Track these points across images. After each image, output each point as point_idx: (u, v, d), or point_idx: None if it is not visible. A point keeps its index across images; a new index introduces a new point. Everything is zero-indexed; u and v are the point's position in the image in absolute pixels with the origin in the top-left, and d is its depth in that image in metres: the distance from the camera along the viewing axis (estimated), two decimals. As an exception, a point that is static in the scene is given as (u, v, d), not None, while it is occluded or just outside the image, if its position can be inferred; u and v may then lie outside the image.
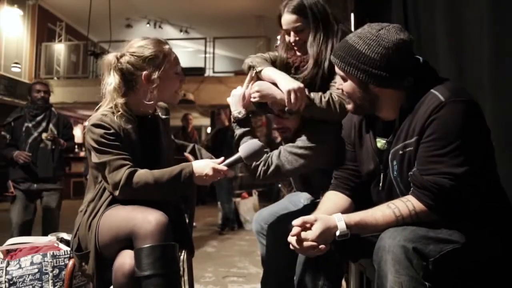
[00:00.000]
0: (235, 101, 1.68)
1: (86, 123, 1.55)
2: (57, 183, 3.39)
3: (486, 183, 1.13)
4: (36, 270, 1.72)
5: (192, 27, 11.52)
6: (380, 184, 1.26)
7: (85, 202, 1.54)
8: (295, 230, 1.14)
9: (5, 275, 1.69)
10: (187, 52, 11.37)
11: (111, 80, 1.47)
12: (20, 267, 1.71)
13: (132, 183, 1.38)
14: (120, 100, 1.47)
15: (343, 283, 2.05)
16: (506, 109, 1.27)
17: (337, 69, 1.22)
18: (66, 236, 1.95)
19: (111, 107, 1.48)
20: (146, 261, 1.26)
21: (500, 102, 1.29)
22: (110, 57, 1.50)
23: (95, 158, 1.43)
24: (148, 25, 11.43)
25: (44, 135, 3.22)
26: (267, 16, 9.95)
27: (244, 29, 10.13)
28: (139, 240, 1.29)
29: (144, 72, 1.47)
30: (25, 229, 3.14)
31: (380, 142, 1.26)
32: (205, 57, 10.54)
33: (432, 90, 1.11)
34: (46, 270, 1.73)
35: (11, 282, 1.68)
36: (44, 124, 3.28)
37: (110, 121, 1.45)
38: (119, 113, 1.47)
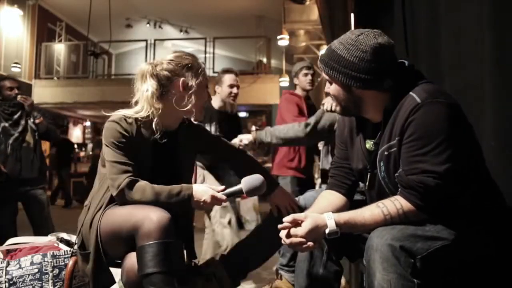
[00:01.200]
0: None
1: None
2: (43, 183, 3.25)
3: (474, 179, 1.16)
4: (36, 270, 1.72)
5: (192, 27, 11.53)
6: (367, 184, 1.32)
7: (90, 195, 1.57)
8: (285, 225, 1.20)
9: (5, 275, 1.69)
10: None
11: (147, 87, 1.50)
12: (20, 267, 1.71)
13: (130, 192, 1.40)
14: (159, 105, 1.49)
15: (342, 281, 2.05)
16: (506, 109, 1.27)
17: (323, 74, 1.29)
18: (66, 236, 1.95)
19: (141, 115, 1.49)
20: (146, 259, 1.26)
21: (500, 102, 1.29)
22: (145, 65, 1.53)
23: (106, 153, 1.47)
24: (148, 25, 11.44)
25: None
26: (267, 16, 9.96)
27: (244, 29, 10.14)
28: (142, 238, 1.29)
29: (182, 79, 1.52)
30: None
31: (369, 143, 1.31)
32: (205, 57, 10.54)
33: (410, 93, 1.16)
34: (46, 270, 1.73)
35: (11, 282, 1.68)
36: (22, 122, 3.09)
37: (129, 125, 1.48)
38: (148, 119, 1.49)
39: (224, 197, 1.44)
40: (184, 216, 1.59)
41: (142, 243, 1.28)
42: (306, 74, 3.12)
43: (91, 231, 1.44)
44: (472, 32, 1.46)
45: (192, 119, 1.66)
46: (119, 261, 1.47)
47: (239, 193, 1.48)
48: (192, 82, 1.52)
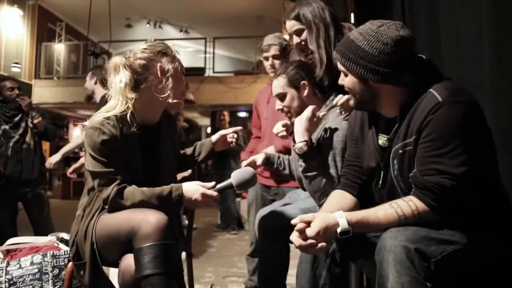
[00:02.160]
0: (301, 128, 1.57)
1: (86, 123, 1.52)
2: (43, 183, 3.26)
3: (487, 183, 1.13)
4: (36, 270, 1.72)
5: (192, 27, 11.52)
6: (380, 182, 1.26)
7: (80, 206, 1.53)
8: (299, 226, 1.13)
9: (5, 275, 1.69)
10: (187, 52, 11.36)
11: (120, 78, 1.46)
12: (20, 267, 1.71)
13: (121, 200, 1.38)
14: (132, 95, 1.45)
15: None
16: (506, 109, 1.27)
17: (339, 65, 1.24)
18: (66, 236, 1.95)
19: (117, 110, 1.45)
20: (145, 261, 1.25)
21: (500, 102, 1.29)
22: (117, 58, 1.50)
23: (88, 164, 1.42)
24: (148, 25, 11.43)
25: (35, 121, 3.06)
26: (267, 16, 9.95)
27: (244, 29, 10.13)
28: (139, 240, 1.27)
29: (159, 64, 1.49)
30: None
31: (382, 139, 1.26)
32: (205, 57, 10.54)
33: (431, 90, 1.11)
34: (46, 270, 1.73)
35: (11, 282, 1.68)
36: (23, 124, 3.10)
37: (112, 127, 1.42)
38: (126, 114, 1.45)
39: (215, 193, 1.43)
40: (174, 215, 1.57)
41: (140, 245, 1.27)
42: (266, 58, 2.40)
43: (86, 240, 1.42)
44: (471, 32, 1.46)
45: (173, 108, 1.61)
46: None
47: (230, 188, 1.46)
48: (169, 66, 1.50)
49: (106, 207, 1.41)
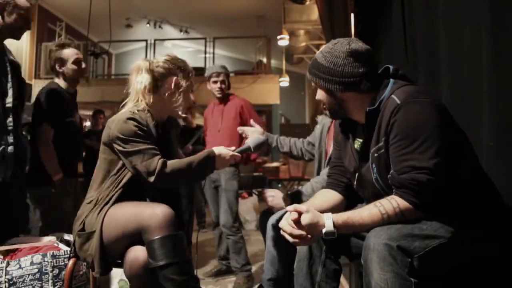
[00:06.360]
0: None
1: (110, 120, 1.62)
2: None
3: (467, 176, 1.17)
4: (36, 270, 1.72)
5: (192, 27, 11.52)
6: (355, 183, 1.37)
7: (94, 193, 1.58)
8: (293, 215, 1.21)
9: (5, 275, 1.69)
10: (187, 52, 11.38)
11: (142, 79, 1.64)
12: (20, 267, 1.71)
13: (167, 170, 1.50)
14: (149, 97, 1.65)
15: (342, 280, 2.06)
16: (505, 109, 1.27)
17: (312, 82, 1.39)
18: (66, 236, 1.95)
19: (137, 106, 1.62)
20: (160, 252, 1.35)
21: (499, 102, 1.29)
22: (142, 61, 1.67)
23: (126, 147, 1.52)
24: (148, 25, 11.43)
25: None
26: (267, 16, 9.96)
27: (244, 29, 10.13)
28: (150, 233, 1.37)
29: (175, 77, 1.69)
30: None
31: (357, 143, 1.38)
32: (205, 57, 10.54)
33: (392, 95, 1.23)
34: (46, 270, 1.73)
35: (11, 282, 1.68)
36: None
37: (139, 117, 1.58)
38: (146, 111, 1.62)
39: (238, 154, 1.69)
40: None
41: (151, 237, 1.37)
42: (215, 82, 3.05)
43: (98, 216, 1.49)
44: (470, 31, 1.46)
45: (174, 114, 1.80)
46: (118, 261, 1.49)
47: (248, 151, 1.77)
48: (183, 83, 1.71)
49: (151, 180, 1.49)
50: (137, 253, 1.40)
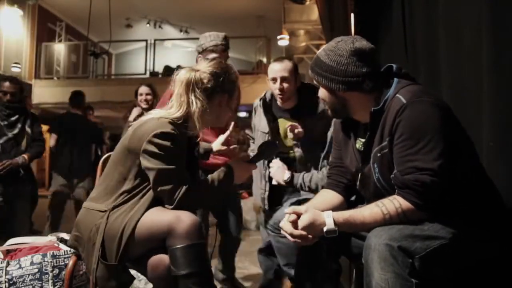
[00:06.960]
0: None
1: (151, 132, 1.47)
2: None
3: (469, 176, 1.17)
4: (36, 270, 1.72)
5: (192, 27, 11.52)
6: (358, 183, 1.35)
7: (107, 200, 1.48)
8: (292, 217, 1.22)
9: (5, 275, 1.69)
10: (187, 52, 11.36)
11: (196, 101, 1.51)
12: (20, 267, 1.71)
13: (188, 201, 1.42)
14: (197, 110, 1.50)
15: (341, 279, 2.06)
16: (505, 109, 1.27)
17: (314, 80, 1.37)
18: (66, 236, 1.95)
19: (178, 115, 1.50)
20: (182, 260, 1.33)
21: (499, 102, 1.29)
22: (190, 73, 1.53)
23: (154, 164, 1.41)
24: (148, 25, 11.43)
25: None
26: (267, 16, 9.97)
27: (244, 29, 10.12)
28: (175, 239, 1.34)
29: (226, 95, 1.57)
30: None
31: (359, 143, 1.35)
32: (205, 57, 10.51)
33: (397, 95, 1.21)
34: (46, 270, 1.73)
35: (11, 282, 1.68)
36: (19, 125, 3.08)
37: (176, 130, 1.46)
38: (182, 119, 1.51)
39: (254, 165, 1.66)
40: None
41: (175, 244, 1.34)
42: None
43: (115, 239, 1.40)
44: (470, 31, 1.46)
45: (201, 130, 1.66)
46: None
47: (261, 157, 1.71)
48: (227, 102, 1.59)
49: (169, 205, 1.42)
50: (162, 256, 1.39)
